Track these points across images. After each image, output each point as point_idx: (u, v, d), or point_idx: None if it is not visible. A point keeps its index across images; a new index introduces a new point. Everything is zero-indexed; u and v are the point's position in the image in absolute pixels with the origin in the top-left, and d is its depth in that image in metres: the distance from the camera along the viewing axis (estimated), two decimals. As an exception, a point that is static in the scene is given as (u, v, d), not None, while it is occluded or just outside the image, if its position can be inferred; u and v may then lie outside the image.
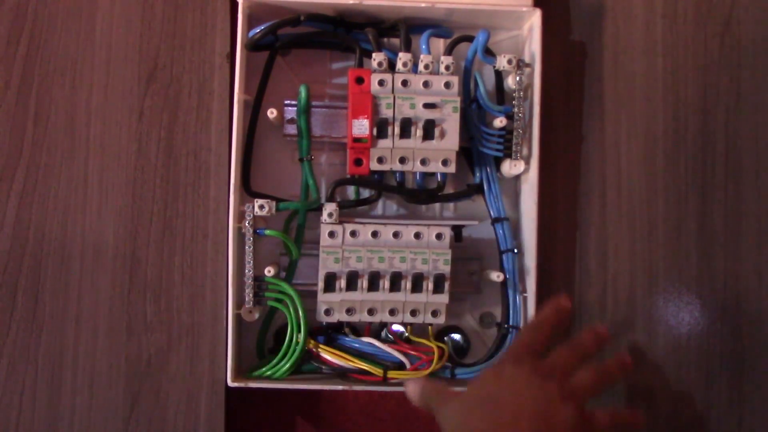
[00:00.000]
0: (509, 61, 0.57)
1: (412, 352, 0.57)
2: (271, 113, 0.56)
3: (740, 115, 0.63)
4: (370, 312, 0.56)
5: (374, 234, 0.56)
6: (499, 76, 0.60)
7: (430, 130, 0.55)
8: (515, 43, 0.62)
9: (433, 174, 0.59)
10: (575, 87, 0.63)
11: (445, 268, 0.56)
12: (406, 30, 0.57)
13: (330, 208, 0.56)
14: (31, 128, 0.60)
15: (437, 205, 0.62)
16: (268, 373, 0.56)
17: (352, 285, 0.56)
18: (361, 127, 0.55)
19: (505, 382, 0.46)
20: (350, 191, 0.61)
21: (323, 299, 0.56)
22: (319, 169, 0.61)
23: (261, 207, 0.54)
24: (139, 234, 0.60)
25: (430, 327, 0.58)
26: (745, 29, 0.63)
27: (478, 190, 0.60)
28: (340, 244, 0.56)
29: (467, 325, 0.62)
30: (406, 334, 0.58)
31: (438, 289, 0.56)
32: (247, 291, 0.55)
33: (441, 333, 0.61)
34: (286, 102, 0.57)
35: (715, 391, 0.62)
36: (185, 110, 0.61)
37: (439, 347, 0.57)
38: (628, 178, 0.63)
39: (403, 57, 0.56)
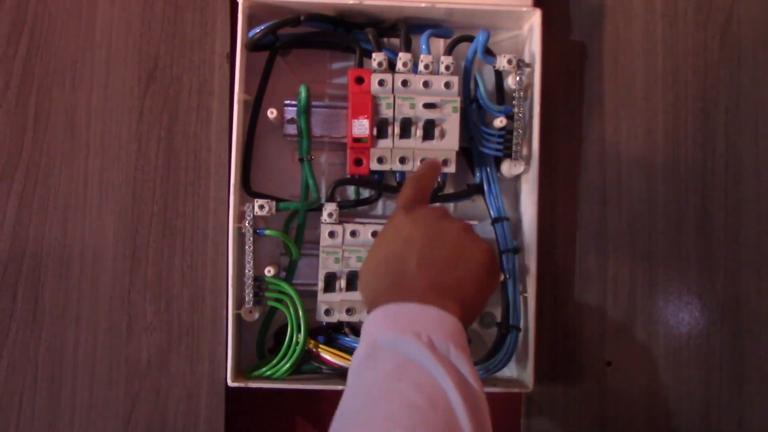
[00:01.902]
0: (509, 61, 0.57)
1: (412, 352, 0.57)
2: (271, 113, 0.56)
3: (740, 115, 0.63)
4: (370, 312, 0.56)
5: (374, 234, 0.56)
6: (499, 76, 0.60)
7: (430, 130, 0.55)
8: (515, 43, 0.62)
9: (433, 174, 0.59)
10: (575, 87, 0.63)
11: (445, 268, 0.56)
12: (406, 30, 0.57)
13: (330, 208, 0.56)
14: (31, 128, 0.60)
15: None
16: (268, 373, 0.56)
17: (352, 285, 0.55)
18: (361, 127, 0.55)
19: (411, 230, 0.47)
20: (350, 191, 0.61)
21: (323, 299, 0.56)
22: (319, 169, 0.61)
23: (261, 207, 0.54)
24: (139, 234, 0.60)
25: (430, 327, 0.58)
26: (745, 29, 0.64)
27: (478, 190, 0.60)
28: (340, 244, 0.56)
29: (467, 325, 0.62)
30: (406, 334, 0.58)
31: (438, 289, 0.56)
32: (247, 291, 0.55)
33: (441, 333, 0.60)
34: (286, 102, 0.57)
35: (715, 391, 0.62)
36: (185, 110, 0.61)
37: (439, 347, 0.56)
38: (628, 178, 0.63)
39: (403, 57, 0.56)
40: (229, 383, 0.56)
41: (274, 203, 0.55)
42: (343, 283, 0.55)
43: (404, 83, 0.56)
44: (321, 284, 0.56)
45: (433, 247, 0.45)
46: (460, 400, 0.36)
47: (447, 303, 0.42)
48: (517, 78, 0.57)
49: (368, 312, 0.43)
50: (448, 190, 0.60)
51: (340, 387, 0.57)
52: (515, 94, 0.57)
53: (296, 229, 0.58)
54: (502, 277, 0.58)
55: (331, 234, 0.56)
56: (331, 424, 0.38)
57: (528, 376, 0.57)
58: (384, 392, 0.38)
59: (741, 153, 0.63)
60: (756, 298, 0.62)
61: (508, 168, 0.58)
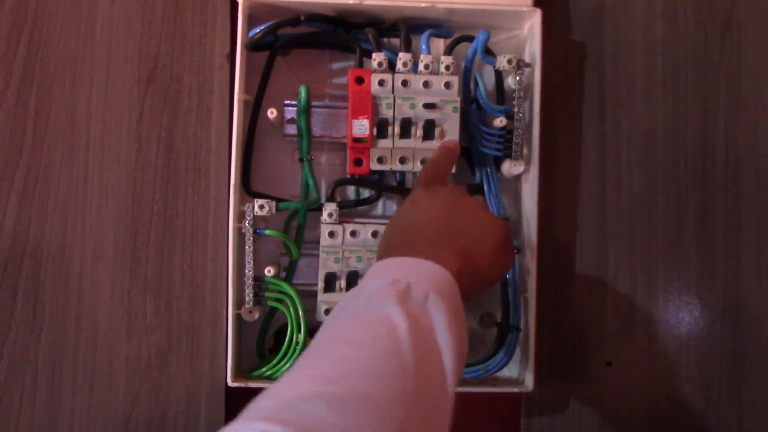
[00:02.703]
0: (509, 61, 0.57)
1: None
2: (271, 113, 0.56)
3: (740, 115, 0.63)
4: (370, 312, 0.56)
5: (374, 234, 0.56)
6: (499, 76, 0.60)
7: (430, 130, 0.55)
8: (515, 43, 0.62)
9: (433, 174, 0.59)
10: (575, 87, 0.63)
11: (445, 268, 0.56)
12: (406, 30, 0.57)
13: (330, 208, 0.56)
14: (31, 128, 0.60)
15: (437, 205, 0.62)
16: (268, 373, 0.56)
17: (352, 285, 0.55)
18: (361, 127, 0.55)
19: (429, 201, 0.48)
20: (350, 191, 0.61)
21: (323, 299, 0.56)
22: (319, 169, 0.61)
23: (261, 207, 0.54)
24: (139, 234, 0.60)
25: (430, 327, 0.58)
26: (745, 29, 0.64)
27: (478, 190, 0.59)
28: (340, 244, 0.56)
29: (467, 325, 0.61)
30: (406, 334, 0.58)
31: (438, 289, 0.56)
32: (247, 291, 0.55)
33: (441, 333, 0.60)
34: (286, 102, 0.57)
35: (715, 391, 0.62)
36: (185, 110, 0.61)
37: (439, 347, 0.56)
38: (628, 178, 0.63)
39: (403, 57, 0.56)
40: (229, 383, 0.56)
41: (274, 203, 0.55)
42: (343, 283, 0.55)
43: (404, 83, 0.56)
44: (321, 284, 0.56)
45: (448, 218, 0.47)
46: (409, 340, 0.35)
47: (448, 259, 0.42)
48: (517, 78, 0.57)
49: None
50: (448, 190, 0.60)
51: (340, 387, 0.56)
52: (515, 94, 0.57)
53: (296, 229, 0.58)
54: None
55: (331, 234, 0.56)
56: None
57: (528, 376, 0.57)
58: (333, 333, 0.37)
59: (741, 153, 0.63)
60: (756, 298, 0.62)
61: (508, 168, 0.58)
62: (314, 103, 0.57)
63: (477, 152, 0.59)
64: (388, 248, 0.47)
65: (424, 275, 0.40)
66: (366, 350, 0.34)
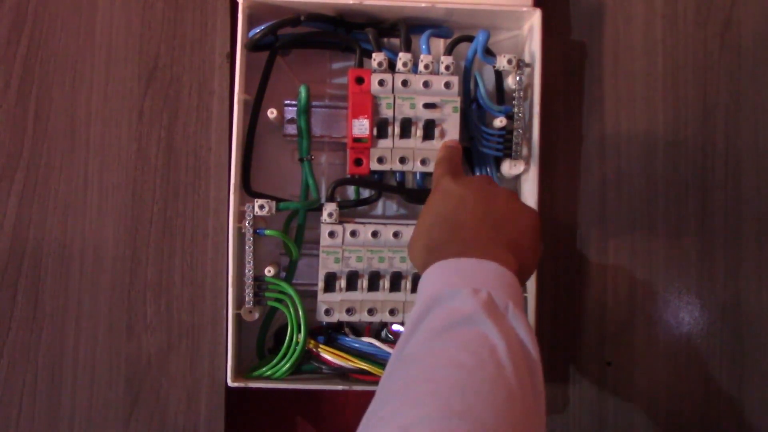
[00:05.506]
0: (509, 61, 0.57)
1: (412, 352, 0.57)
2: (271, 113, 0.56)
3: (740, 115, 0.63)
4: (370, 312, 0.56)
5: (374, 234, 0.56)
6: (499, 76, 0.60)
7: (430, 130, 0.56)
8: (515, 43, 0.62)
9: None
10: (575, 87, 0.63)
11: (445, 268, 0.56)
12: (406, 30, 0.57)
13: (330, 208, 0.56)
14: (31, 128, 0.60)
15: (437, 205, 0.62)
16: (268, 373, 0.56)
17: (352, 285, 0.56)
18: (361, 127, 0.55)
19: (462, 191, 0.47)
20: (350, 191, 0.61)
21: (323, 299, 0.56)
22: (319, 169, 0.61)
23: (261, 207, 0.54)
24: (139, 234, 0.60)
25: (430, 327, 0.58)
26: (745, 29, 0.64)
27: (478, 190, 0.59)
28: (340, 244, 0.56)
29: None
30: (406, 334, 0.58)
31: (438, 289, 0.56)
32: (247, 291, 0.55)
33: (441, 333, 0.60)
34: (286, 102, 0.57)
35: (715, 391, 0.62)
36: (185, 110, 0.61)
37: (439, 347, 0.56)
38: (628, 178, 0.63)
39: (403, 57, 0.56)
40: (229, 383, 0.56)
41: (274, 203, 0.55)
42: (343, 283, 0.55)
43: (404, 83, 0.56)
44: (321, 284, 0.56)
45: (485, 208, 0.45)
46: (509, 361, 0.34)
47: (507, 258, 0.41)
48: (517, 78, 0.57)
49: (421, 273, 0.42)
50: (448, 190, 0.60)
51: (340, 387, 0.56)
52: (515, 94, 0.57)
53: (296, 229, 0.58)
54: None
55: (331, 234, 0.56)
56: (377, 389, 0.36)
57: (528, 376, 0.57)
58: (429, 351, 0.35)
59: (741, 153, 0.63)
60: (756, 298, 0.62)
61: (508, 168, 0.58)
62: (314, 103, 0.57)
63: (477, 152, 0.59)
64: (433, 247, 0.44)
65: (498, 282, 0.39)
66: (475, 376, 0.33)
